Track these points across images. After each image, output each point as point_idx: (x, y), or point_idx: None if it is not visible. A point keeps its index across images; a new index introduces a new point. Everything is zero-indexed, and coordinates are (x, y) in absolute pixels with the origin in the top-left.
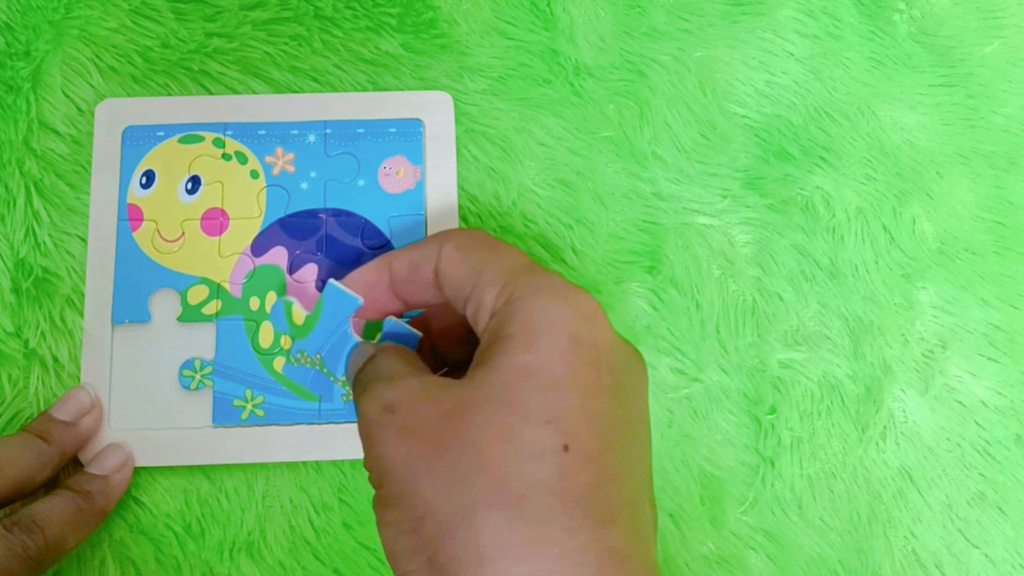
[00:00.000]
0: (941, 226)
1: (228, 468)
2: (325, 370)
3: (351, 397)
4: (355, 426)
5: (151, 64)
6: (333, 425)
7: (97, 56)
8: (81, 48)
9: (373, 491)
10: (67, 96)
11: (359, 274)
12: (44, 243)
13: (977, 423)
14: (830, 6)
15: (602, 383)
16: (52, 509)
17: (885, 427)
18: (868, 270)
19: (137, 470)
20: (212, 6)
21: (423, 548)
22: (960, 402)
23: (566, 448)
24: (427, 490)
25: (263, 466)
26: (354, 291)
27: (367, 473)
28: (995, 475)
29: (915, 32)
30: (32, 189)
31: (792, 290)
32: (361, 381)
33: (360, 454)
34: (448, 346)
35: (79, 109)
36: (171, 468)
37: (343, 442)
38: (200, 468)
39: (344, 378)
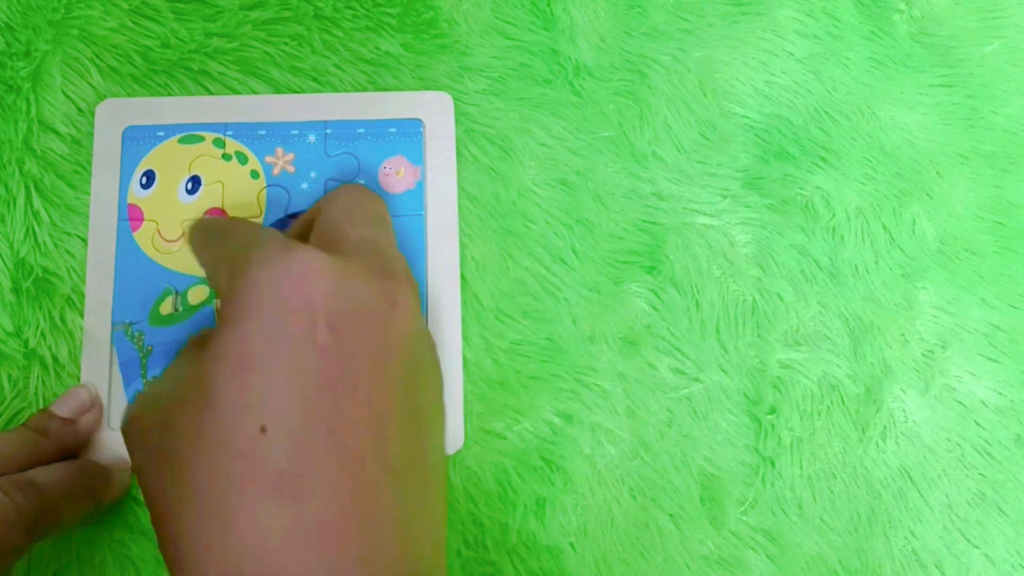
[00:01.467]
0: (941, 226)
1: None
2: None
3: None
4: None
5: (151, 64)
6: None
7: (97, 56)
8: (81, 48)
9: None
10: (67, 96)
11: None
12: (44, 243)
13: (977, 423)
14: (830, 6)
15: (316, 341)
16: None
17: (885, 427)
18: (868, 270)
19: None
20: (212, 6)
21: (161, 550)
22: (960, 402)
23: (263, 430)
24: (155, 500)
25: None
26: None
27: None
28: (995, 475)
29: (915, 32)
30: (32, 189)
31: (792, 290)
32: None
33: None
34: None
35: (79, 109)
36: None
37: None
38: None
39: None
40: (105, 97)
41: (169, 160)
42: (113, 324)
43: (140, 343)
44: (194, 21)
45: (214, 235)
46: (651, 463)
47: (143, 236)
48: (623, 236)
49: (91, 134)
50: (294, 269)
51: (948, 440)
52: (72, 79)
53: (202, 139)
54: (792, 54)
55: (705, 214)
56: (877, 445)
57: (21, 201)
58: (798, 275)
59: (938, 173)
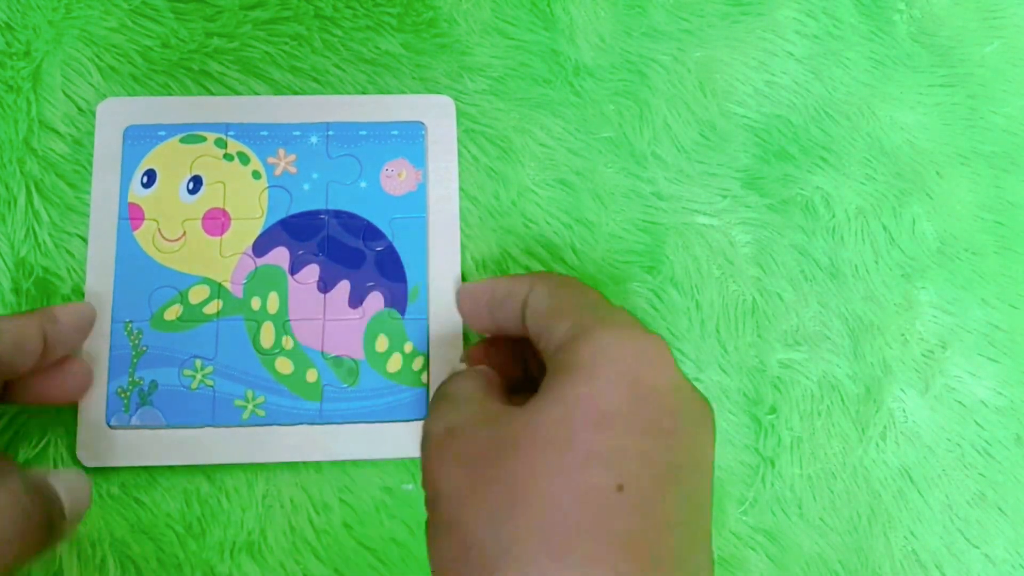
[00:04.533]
0: (941, 226)
1: (228, 468)
2: None
3: None
4: (356, 427)
5: (151, 64)
6: (335, 426)
7: (97, 56)
8: (81, 48)
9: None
10: (67, 96)
11: (473, 284)
12: (44, 243)
13: (977, 423)
14: (830, 6)
15: (662, 426)
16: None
17: (885, 427)
18: (868, 270)
19: (137, 469)
20: (212, 6)
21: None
22: (960, 402)
23: (620, 488)
24: (474, 520)
25: (263, 466)
26: (463, 296)
27: (423, 494)
28: (995, 475)
29: (915, 32)
30: (33, 189)
31: (792, 290)
32: (433, 398)
33: (362, 454)
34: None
35: (79, 108)
36: (171, 468)
37: (344, 443)
38: (200, 468)
39: None
40: (105, 97)
41: (170, 159)
42: (113, 320)
43: (137, 341)
44: (194, 21)
45: (563, 287)
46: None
47: (143, 235)
48: (623, 236)
49: (91, 134)
50: (650, 351)
51: (948, 440)
52: (72, 79)
53: (204, 139)
54: (792, 54)
55: (705, 214)
56: (877, 445)
57: (22, 201)
58: (798, 275)
59: (938, 173)
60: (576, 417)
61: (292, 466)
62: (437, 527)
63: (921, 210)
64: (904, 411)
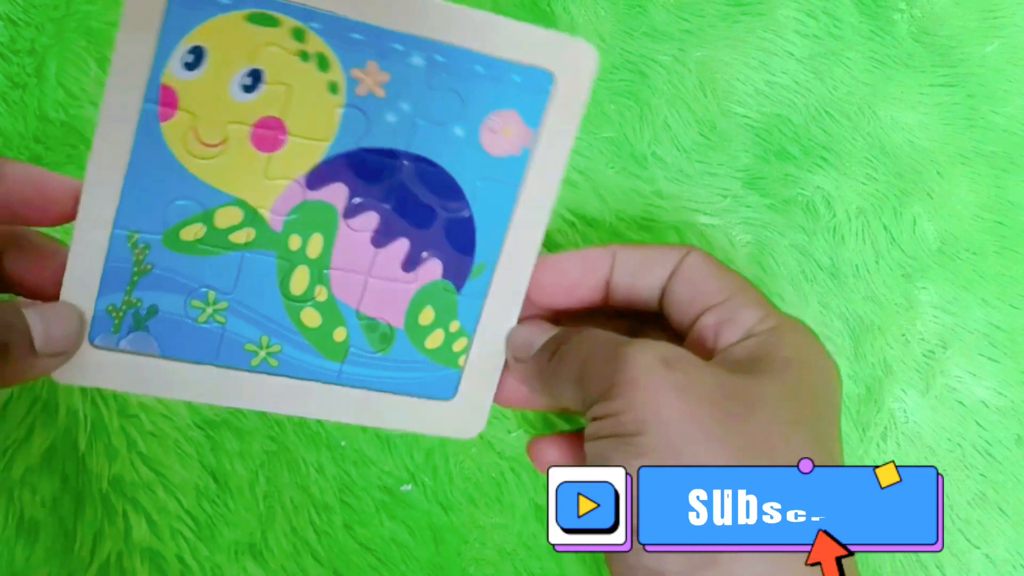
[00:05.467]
0: (941, 226)
1: (229, 467)
2: None
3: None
4: (372, 395)
5: None
6: (351, 389)
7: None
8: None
9: (620, 436)
10: (64, 87)
11: (580, 252)
12: None
13: (978, 423)
14: (830, 6)
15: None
16: None
17: (886, 427)
18: (868, 270)
19: (137, 467)
20: None
21: None
22: (961, 402)
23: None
24: (706, 456)
25: (263, 465)
26: (570, 267)
27: (613, 417)
28: (996, 475)
29: (915, 32)
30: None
31: (792, 290)
32: (599, 338)
33: (370, 421)
34: None
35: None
36: (171, 467)
37: (356, 408)
38: (201, 467)
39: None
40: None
41: (228, 40)
42: (115, 226)
43: (141, 257)
44: None
45: (726, 268)
46: None
47: (173, 130)
48: (624, 235)
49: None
50: (835, 365)
51: (949, 440)
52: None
53: (277, 23)
54: (792, 54)
55: (706, 214)
56: (878, 445)
57: None
58: (798, 275)
59: (938, 173)
60: (800, 401)
61: (292, 465)
62: (642, 454)
63: (921, 210)
64: (905, 411)
